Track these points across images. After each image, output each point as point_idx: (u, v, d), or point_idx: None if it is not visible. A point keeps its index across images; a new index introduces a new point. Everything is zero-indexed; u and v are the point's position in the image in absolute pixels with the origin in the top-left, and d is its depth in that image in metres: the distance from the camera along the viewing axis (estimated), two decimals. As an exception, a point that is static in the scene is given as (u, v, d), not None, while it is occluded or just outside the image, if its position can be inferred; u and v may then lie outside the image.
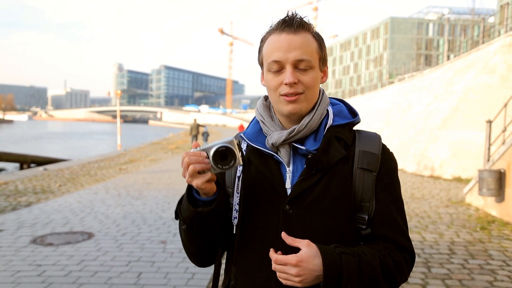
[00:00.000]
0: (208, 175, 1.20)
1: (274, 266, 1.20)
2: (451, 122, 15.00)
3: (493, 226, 7.16)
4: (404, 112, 21.02)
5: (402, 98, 23.19)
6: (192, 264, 5.42)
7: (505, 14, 19.44)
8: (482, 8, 65.44)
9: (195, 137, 24.26)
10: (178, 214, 1.32)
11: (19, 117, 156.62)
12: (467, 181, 11.89)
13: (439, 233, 6.62)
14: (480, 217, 7.81)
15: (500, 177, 7.79)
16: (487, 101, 13.74)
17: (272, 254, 1.22)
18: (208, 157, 1.20)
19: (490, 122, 9.14)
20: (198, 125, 24.41)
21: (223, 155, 1.18)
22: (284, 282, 1.19)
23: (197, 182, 1.19)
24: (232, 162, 1.18)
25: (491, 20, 52.91)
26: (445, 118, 15.53)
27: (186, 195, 1.28)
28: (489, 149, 9.01)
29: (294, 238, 1.21)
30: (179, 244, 5.84)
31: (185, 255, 5.43)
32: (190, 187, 1.27)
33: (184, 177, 1.21)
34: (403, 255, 1.31)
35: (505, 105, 9.23)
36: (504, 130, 8.92)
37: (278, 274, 1.20)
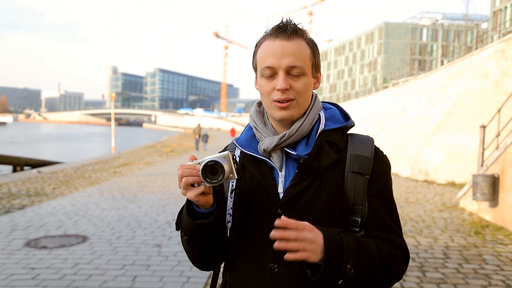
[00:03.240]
0: (201, 188, 1.22)
1: (273, 233, 1.13)
2: (445, 126, 15.09)
3: (487, 230, 7.20)
4: (398, 117, 21.12)
5: (396, 103, 23.30)
6: (187, 268, 5.39)
7: (498, 20, 19.63)
8: (475, 14, 65.97)
9: (198, 139, 28.09)
10: (178, 225, 1.35)
11: (3, 119, 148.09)
12: (461, 185, 11.95)
13: (433, 238, 6.64)
14: (474, 221, 7.85)
15: (494, 182, 7.83)
16: (481, 105, 13.84)
17: (276, 222, 1.13)
18: None
19: (484, 127, 9.20)
20: (201, 129, 27.99)
21: (213, 169, 1.20)
22: (280, 246, 1.12)
23: (190, 195, 1.22)
24: (221, 177, 1.20)
25: (484, 26, 53.44)
26: (439, 122, 15.62)
27: (185, 207, 1.31)
28: (483, 154, 9.07)
29: (295, 221, 1.14)
30: (174, 248, 5.84)
31: (180, 258, 5.45)
32: (189, 199, 1.29)
33: (180, 189, 1.24)
34: (398, 251, 1.33)
35: (499, 110, 9.30)
36: (498, 135, 8.98)
37: (276, 243, 1.12)
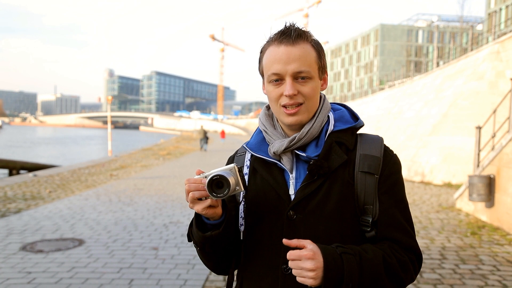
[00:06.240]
0: (208, 202, 1.24)
1: (289, 263, 1.19)
2: (441, 127, 15.13)
3: (483, 231, 7.22)
4: (395, 118, 21.17)
5: (393, 104, 23.36)
6: (184, 271, 5.38)
7: (493, 21, 19.72)
8: (471, 15, 66.36)
9: (202, 140, 29.82)
10: (190, 237, 1.38)
11: None
12: (457, 186, 11.98)
13: (430, 238, 6.65)
14: (470, 222, 7.87)
15: (490, 182, 7.86)
16: (477, 106, 13.90)
17: (287, 242, 1.21)
18: None
19: (479, 128, 9.23)
20: (204, 131, 29.88)
21: (218, 183, 1.22)
22: (299, 279, 1.18)
23: (197, 208, 1.25)
24: (227, 191, 1.21)
25: (479, 27, 53.69)
26: (435, 123, 15.67)
27: (194, 219, 1.34)
28: (478, 154, 9.10)
29: (297, 239, 1.21)
30: (171, 250, 5.83)
31: (177, 261, 5.44)
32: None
33: (188, 202, 1.27)
34: (409, 255, 1.31)
35: (494, 111, 9.34)
36: (494, 136, 9.01)
37: (294, 271, 1.18)
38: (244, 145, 1.45)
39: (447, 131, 14.72)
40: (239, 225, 1.38)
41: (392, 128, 20.52)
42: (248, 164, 1.43)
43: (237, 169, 1.25)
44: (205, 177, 1.24)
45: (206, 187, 1.21)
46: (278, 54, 1.30)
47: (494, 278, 4.98)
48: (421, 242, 6.43)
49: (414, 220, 7.81)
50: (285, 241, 1.21)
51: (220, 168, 1.26)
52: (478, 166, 8.92)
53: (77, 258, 5.51)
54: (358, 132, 1.43)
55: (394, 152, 1.42)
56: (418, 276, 4.97)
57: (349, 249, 1.23)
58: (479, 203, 8.18)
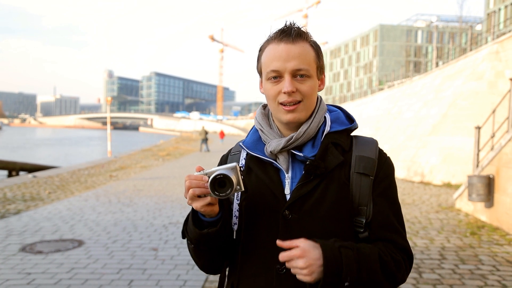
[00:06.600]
0: (207, 199, 1.23)
1: (286, 264, 1.20)
2: (441, 128, 15.14)
3: (483, 231, 7.22)
4: (394, 118, 21.17)
5: (392, 105, 23.37)
6: (184, 271, 5.37)
7: (492, 21, 19.74)
8: (470, 16, 66.32)
9: (204, 140, 29.93)
10: (185, 234, 1.37)
11: None
12: (457, 186, 11.99)
13: (429, 239, 6.66)
14: (470, 222, 7.87)
15: (489, 182, 7.86)
16: (476, 107, 13.91)
17: (280, 244, 1.22)
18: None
19: (479, 128, 9.24)
20: (206, 132, 30.01)
21: (221, 182, 1.21)
22: (298, 277, 1.19)
23: (196, 205, 1.24)
24: (229, 190, 1.21)
25: (478, 27, 53.73)
26: (435, 124, 15.67)
27: (191, 216, 1.32)
28: (478, 154, 9.11)
29: (290, 240, 1.21)
30: (171, 251, 5.82)
31: (176, 262, 5.42)
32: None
33: (186, 198, 1.26)
34: (401, 255, 1.33)
35: (493, 111, 9.34)
36: (493, 136, 9.02)
37: (292, 270, 1.20)
38: (240, 144, 1.45)
39: (446, 131, 14.73)
40: (233, 223, 1.38)
41: (391, 128, 20.52)
42: (243, 163, 1.43)
43: (238, 168, 1.25)
44: (206, 174, 1.24)
45: (208, 185, 1.20)
46: (278, 52, 1.31)
47: (494, 278, 4.98)
48: (420, 242, 6.43)
49: (413, 220, 7.88)
50: (278, 242, 1.22)
51: (222, 166, 1.25)
52: (477, 166, 8.93)
53: (77, 259, 5.51)
54: (353, 134, 1.45)
55: (388, 155, 1.43)
56: (418, 276, 4.97)
57: (347, 244, 1.24)
58: (479, 203, 8.18)
